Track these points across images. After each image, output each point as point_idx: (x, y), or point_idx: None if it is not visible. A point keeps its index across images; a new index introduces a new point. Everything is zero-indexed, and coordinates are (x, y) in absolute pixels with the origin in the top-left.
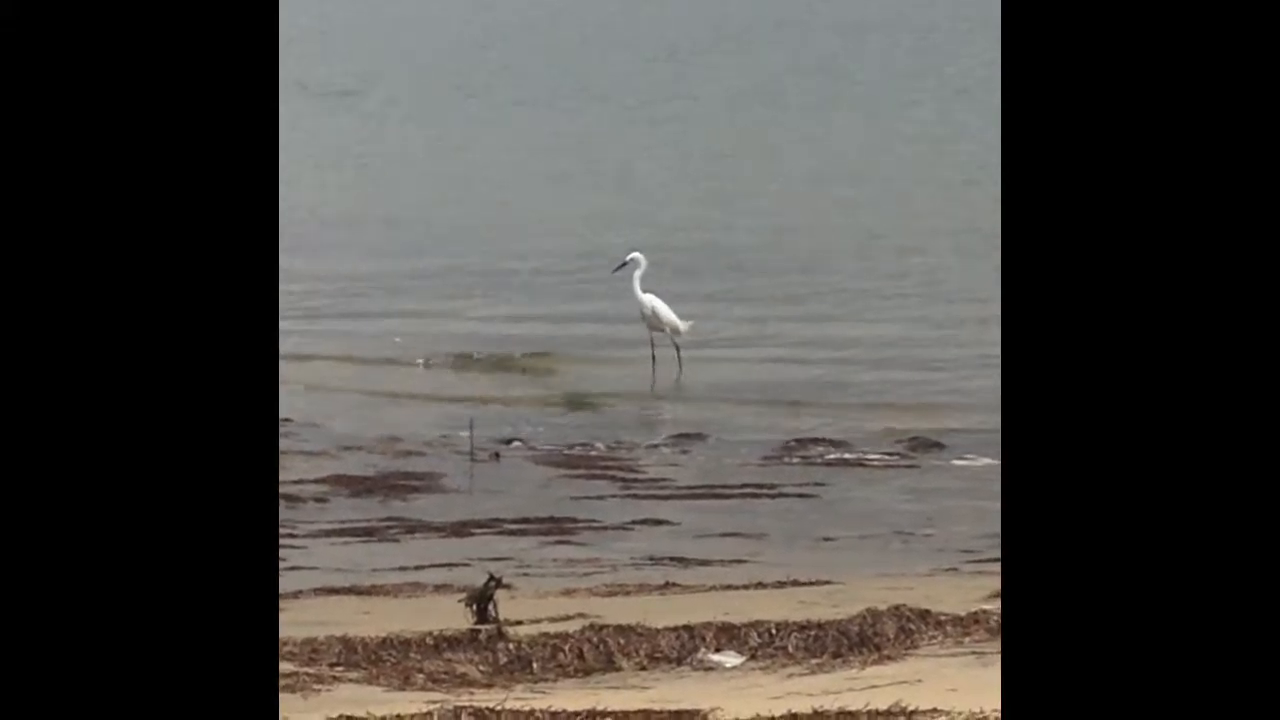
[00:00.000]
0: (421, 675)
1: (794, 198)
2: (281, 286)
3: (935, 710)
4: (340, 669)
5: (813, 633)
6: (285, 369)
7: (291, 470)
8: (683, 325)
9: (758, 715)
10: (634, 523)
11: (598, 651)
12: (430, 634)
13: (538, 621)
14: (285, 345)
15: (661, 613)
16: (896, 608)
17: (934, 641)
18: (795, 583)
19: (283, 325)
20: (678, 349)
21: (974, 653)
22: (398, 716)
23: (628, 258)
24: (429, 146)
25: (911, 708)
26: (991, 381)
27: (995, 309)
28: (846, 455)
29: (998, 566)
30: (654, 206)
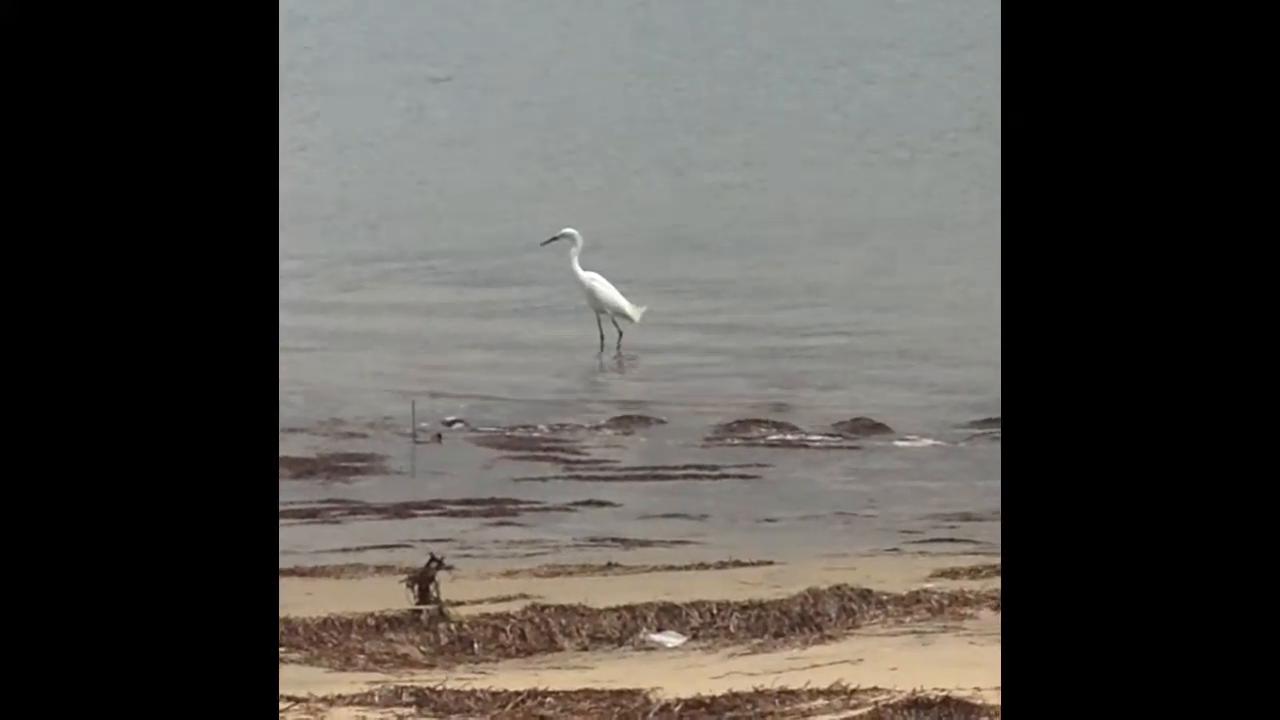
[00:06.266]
0: (363, 656)
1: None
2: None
3: (876, 689)
4: (282, 650)
5: (754, 613)
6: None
7: None
8: (633, 311)
9: (699, 695)
10: (576, 504)
11: (539, 632)
12: (372, 615)
13: (479, 602)
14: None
15: (603, 593)
16: (838, 588)
17: (875, 621)
18: (737, 563)
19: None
20: (619, 332)
21: (915, 632)
22: (339, 697)
23: (560, 232)
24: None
25: (852, 686)
26: (934, 363)
27: (950, 294)
28: (789, 436)
29: (938, 547)
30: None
